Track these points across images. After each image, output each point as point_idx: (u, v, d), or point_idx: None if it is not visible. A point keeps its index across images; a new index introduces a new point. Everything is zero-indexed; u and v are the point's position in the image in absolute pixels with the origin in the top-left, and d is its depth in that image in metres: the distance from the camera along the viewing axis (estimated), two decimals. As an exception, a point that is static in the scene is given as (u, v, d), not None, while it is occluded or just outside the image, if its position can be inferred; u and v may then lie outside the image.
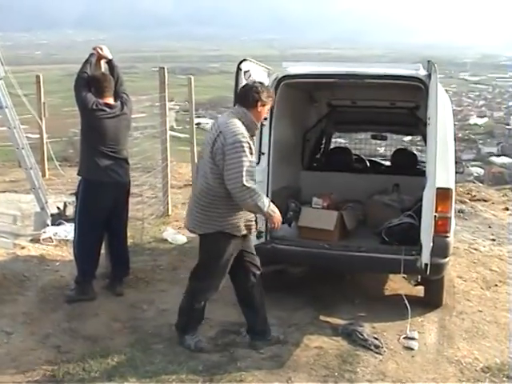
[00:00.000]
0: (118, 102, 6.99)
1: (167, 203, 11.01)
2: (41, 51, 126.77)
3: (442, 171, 6.09)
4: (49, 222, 10.17)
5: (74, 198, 8.20)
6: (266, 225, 6.85)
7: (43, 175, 14.40)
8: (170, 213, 11.03)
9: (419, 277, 6.81)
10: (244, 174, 5.36)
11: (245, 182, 5.36)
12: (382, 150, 13.33)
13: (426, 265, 5.96)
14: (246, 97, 5.66)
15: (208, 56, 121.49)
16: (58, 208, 10.40)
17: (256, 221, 6.03)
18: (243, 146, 5.39)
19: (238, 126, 5.50)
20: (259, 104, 5.65)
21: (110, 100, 6.93)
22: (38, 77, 14.71)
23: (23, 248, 8.83)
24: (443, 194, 6.23)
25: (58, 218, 10.06)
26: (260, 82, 5.88)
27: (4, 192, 13.34)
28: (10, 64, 10.43)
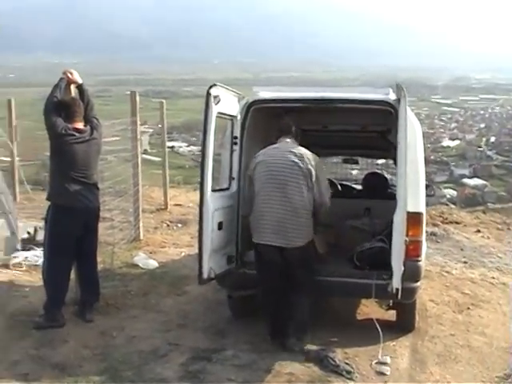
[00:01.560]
0: (88, 127, 6.95)
1: (138, 228, 10.92)
2: (14, 74, 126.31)
3: (412, 195, 6.12)
4: (19, 247, 10.05)
5: (44, 223, 8.13)
6: (237, 250, 6.83)
7: (14, 199, 14.27)
8: (141, 237, 10.94)
9: (391, 301, 6.80)
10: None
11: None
12: (354, 173, 13.37)
13: (398, 289, 5.95)
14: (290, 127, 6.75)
15: (182, 80, 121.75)
16: (29, 233, 10.29)
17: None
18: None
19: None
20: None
21: (80, 125, 6.88)
22: (9, 101, 14.62)
23: (-8, 274, 8.72)
24: (414, 218, 6.25)
25: (29, 243, 9.94)
26: None
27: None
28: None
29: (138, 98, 10.91)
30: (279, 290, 6.51)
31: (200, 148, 6.46)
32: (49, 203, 7.04)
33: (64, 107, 6.89)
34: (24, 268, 9.14)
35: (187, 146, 62.18)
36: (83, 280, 7.32)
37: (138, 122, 10.93)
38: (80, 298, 7.33)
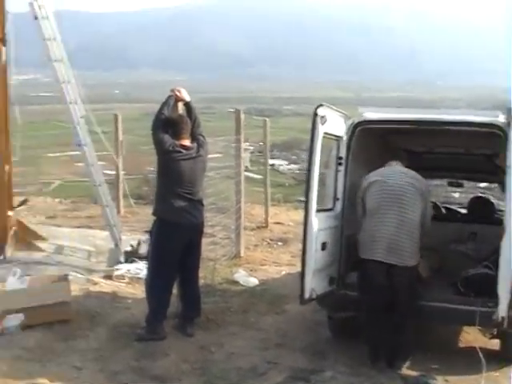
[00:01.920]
0: (195, 144, 7.06)
1: (239, 245, 10.99)
2: (119, 90, 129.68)
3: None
4: (122, 259, 10.29)
5: (147, 236, 8.30)
6: (339, 271, 6.80)
7: (118, 212, 14.62)
8: (242, 254, 11.00)
9: (495, 330, 6.61)
10: None
11: None
12: (457, 196, 13.10)
13: (503, 318, 5.79)
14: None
15: (283, 98, 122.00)
16: (132, 246, 10.51)
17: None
18: None
19: None
20: None
21: (187, 142, 6.99)
22: (116, 115, 15.06)
23: (96, 284, 8.96)
24: (522, 245, 6.04)
25: (131, 256, 10.17)
26: None
27: (79, 227, 13.59)
28: (91, 102, 10.71)
29: (242, 116, 11.02)
30: (382, 312, 6.43)
31: (301, 166, 6.53)
32: (154, 218, 7.18)
33: (172, 124, 7.03)
34: (126, 280, 9.36)
35: (288, 165, 62.26)
36: (185, 295, 7.40)
37: (242, 140, 11.02)
38: (181, 312, 7.43)
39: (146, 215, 14.55)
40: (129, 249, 10.44)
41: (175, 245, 6.98)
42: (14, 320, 6.96)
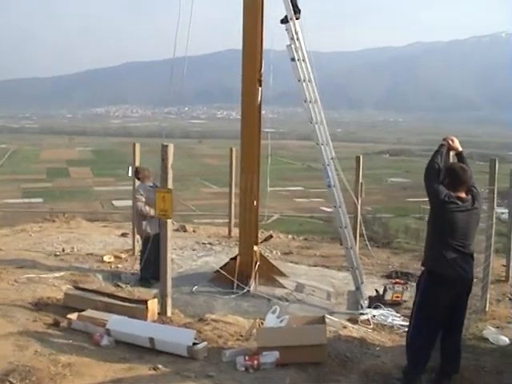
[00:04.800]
0: (470, 196, 6.82)
1: (486, 299, 10.49)
2: (341, 129, 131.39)
3: None
4: (362, 303, 10.24)
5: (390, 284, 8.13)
6: None
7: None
8: (486, 309, 10.50)
9: None
10: None
11: None
12: None
13: None
14: None
15: (507, 143, 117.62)
16: (377, 291, 10.45)
17: None
18: None
19: None
20: None
21: (462, 194, 6.77)
22: (357, 157, 15.15)
23: (345, 328, 8.93)
24: None
25: (376, 301, 10.09)
26: None
27: (316, 266, 13.75)
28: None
29: (497, 165, 10.59)
30: None
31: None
32: (422, 269, 7.00)
33: (451, 175, 6.79)
34: (372, 326, 9.27)
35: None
36: (446, 350, 7.12)
37: (496, 191, 10.56)
38: (440, 366, 7.17)
39: (380, 259, 14.53)
40: (373, 294, 10.37)
41: (442, 299, 6.75)
42: (270, 357, 7.09)
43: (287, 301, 10.53)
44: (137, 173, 11.87)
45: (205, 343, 7.49)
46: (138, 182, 11.92)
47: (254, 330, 7.92)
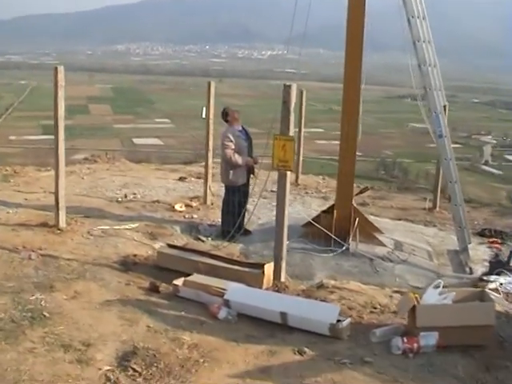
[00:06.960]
0: None
1: None
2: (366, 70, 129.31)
3: None
4: (472, 266, 9.19)
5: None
6: None
7: (434, 207, 13.50)
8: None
9: None
10: None
11: None
12: None
13: None
14: None
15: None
16: (497, 255, 9.35)
17: None
18: None
19: None
20: None
21: None
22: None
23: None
24: None
25: (499, 267, 8.94)
26: None
27: (399, 220, 12.56)
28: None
29: None
30: None
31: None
32: None
33: None
34: (501, 295, 8.09)
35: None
36: None
37: None
38: None
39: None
40: (494, 259, 9.27)
41: None
42: (431, 338, 6.01)
43: (391, 261, 9.42)
44: (225, 114, 10.44)
45: (349, 320, 6.40)
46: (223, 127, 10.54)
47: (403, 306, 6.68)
